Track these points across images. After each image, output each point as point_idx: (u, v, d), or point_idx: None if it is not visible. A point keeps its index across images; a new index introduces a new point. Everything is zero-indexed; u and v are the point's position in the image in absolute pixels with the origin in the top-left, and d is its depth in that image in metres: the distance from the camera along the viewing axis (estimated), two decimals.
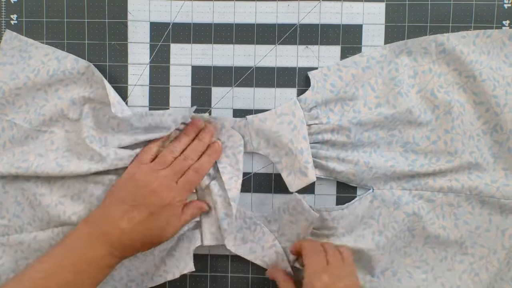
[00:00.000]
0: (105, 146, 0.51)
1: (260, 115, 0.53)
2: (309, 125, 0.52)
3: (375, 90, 0.52)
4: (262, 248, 0.54)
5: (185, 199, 0.50)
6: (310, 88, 0.52)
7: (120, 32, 0.55)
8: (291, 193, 0.52)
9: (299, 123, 0.51)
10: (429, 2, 0.53)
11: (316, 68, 0.54)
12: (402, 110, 0.51)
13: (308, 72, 0.52)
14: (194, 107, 0.52)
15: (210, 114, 0.55)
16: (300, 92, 0.54)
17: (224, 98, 0.55)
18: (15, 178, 0.55)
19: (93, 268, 0.45)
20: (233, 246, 0.53)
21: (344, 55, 0.54)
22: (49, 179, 0.54)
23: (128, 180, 0.49)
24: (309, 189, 0.54)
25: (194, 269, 0.52)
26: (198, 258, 0.54)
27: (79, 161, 0.52)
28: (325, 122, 0.52)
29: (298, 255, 0.51)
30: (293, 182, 0.52)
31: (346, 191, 0.54)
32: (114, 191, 0.49)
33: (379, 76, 0.52)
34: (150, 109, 0.55)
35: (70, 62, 0.54)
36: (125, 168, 0.52)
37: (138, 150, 0.51)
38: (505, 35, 0.52)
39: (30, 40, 0.55)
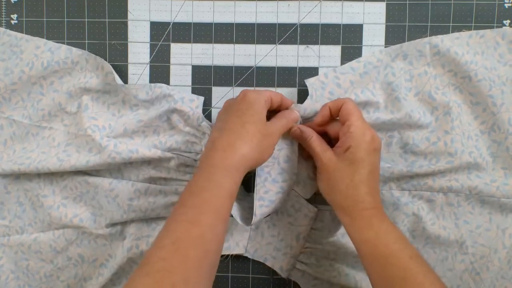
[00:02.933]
0: (107, 136, 0.53)
1: None
2: None
3: (374, 95, 0.53)
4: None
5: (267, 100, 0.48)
6: (308, 97, 0.53)
7: (120, 31, 0.56)
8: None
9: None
10: (430, 2, 0.54)
11: (316, 68, 0.55)
12: (402, 116, 0.52)
13: (305, 80, 0.54)
14: (202, 98, 0.55)
15: (210, 114, 0.56)
16: (300, 92, 0.56)
17: (224, 97, 0.56)
18: (17, 178, 0.57)
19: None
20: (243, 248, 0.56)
21: (344, 54, 0.55)
22: (51, 180, 0.56)
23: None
24: None
25: None
26: None
27: (79, 155, 0.54)
28: None
29: (335, 113, 0.50)
30: (304, 189, 0.54)
31: None
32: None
33: (376, 81, 0.54)
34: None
35: (64, 52, 0.55)
36: (124, 166, 0.54)
37: (136, 146, 0.53)
38: (498, 35, 0.53)
39: (19, 34, 0.56)
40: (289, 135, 0.51)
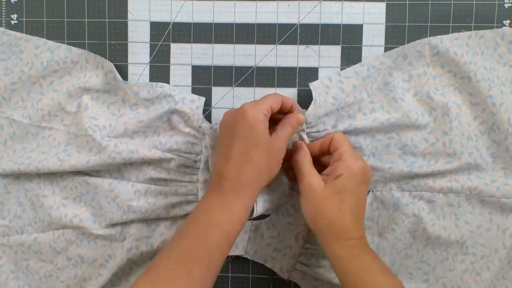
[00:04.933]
0: (108, 136, 0.54)
1: None
2: (307, 134, 0.53)
3: (370, 95, 0.54)
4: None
5: (265, 113, 0.47)
6: (312, 102, 0.53)
7: (120, 31, 0.57)
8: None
9: (303, 135, 0.53)
10: (430, 2, 0.55)
11: (316, 68, 0.56)
12: (399, 116, 0.53)
13: (309, 84, 0.54)
14: (204, 98, 0.55)
15: (210, 114, 0.57)
16: (300, 92, 0.56)
17: (224, 98, 0.57)
18: (17, 178, 0.57)
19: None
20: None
21: (344, 55, 0.56)
22: (51, 180, 0.56)
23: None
24: None
25: None
26: None
27: (79, 154, 0.54)
28: (322, 129, 0.54)
29: (326, 148, 0.51)
30: None
31: None
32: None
33: (374, 82, 0.54)
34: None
35: (64, 52, 0.56)
36: (125, 166, 0.55)
37: (137, 146, 0.54)
38: (498, 35, 0.54)
39: (19, 34, 0.57)
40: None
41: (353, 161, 0.47)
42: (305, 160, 0.49)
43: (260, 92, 0.56)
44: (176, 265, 0.42)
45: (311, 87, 0.54)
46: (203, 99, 0.55)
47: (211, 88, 0.57)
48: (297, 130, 0.52)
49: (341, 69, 0.56)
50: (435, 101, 0.53)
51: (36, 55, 0.56)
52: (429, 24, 0.55)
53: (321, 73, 0.56)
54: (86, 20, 0.57)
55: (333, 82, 0.54)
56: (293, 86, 0.56)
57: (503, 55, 0.54)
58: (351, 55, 0.56)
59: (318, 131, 0.54)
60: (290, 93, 0.56)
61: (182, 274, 0.41)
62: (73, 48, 0.56)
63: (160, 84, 0.55)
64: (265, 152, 0.46)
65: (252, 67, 0.57)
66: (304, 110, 0.52)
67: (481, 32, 0.54)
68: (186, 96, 0.55)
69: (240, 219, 0.45)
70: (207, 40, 0.57)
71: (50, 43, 0.56)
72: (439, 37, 0.53)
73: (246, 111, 0.46)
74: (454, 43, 0.54)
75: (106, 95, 0.56)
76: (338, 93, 0.54)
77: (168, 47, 0.57)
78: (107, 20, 0.57)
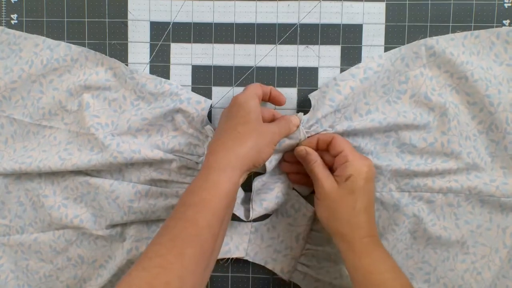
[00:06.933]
0: (111, 134, 0.55)
1: None
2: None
3: (365, 96, 0.55)
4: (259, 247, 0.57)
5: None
6: (311, 108, 0.54)
7: (120, 31, 0.58)
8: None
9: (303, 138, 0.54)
10: (429, 2, 0.56)
11: (316, 68, 0.57)
12: (394, 115, 0.54)
13: (309, 95, 0.55)
14: (211, 101, 0.56)
15: (210, 113, 0.58)
16: (300, 92, 0.57)
17: (224, 97, 0.58)
18: (18, 178, 0.58)
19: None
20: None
21: (344, 54, 0.57)
22: (52, 180, 0.57)
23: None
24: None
25: None
26: None
27: (80, 153, 0.55)
28: (320, 131, 0.54)
29: (323, 146, 0.53)
30: (304, 189, 0.56)
31: None
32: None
33: (373, 84, 0.55)
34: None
35: (63, 50, 0.57)
36: (126, 167, 0.55)
37: (139, 146, 0.54)
38: (493, 35, 0.54)
39: (18, 32, 0.57)
40: (294, 152, 0.54)
41: (360, 161, 0.49)
42: (316, 164, 0.51)
43: None
44: (166, 249, 0.41)
45: (310, 98, 0.55)
46: (210, 101, 0.55)
47: (211, 88, 0.58)
48: (296, 138, 0.53)
49: (341, 69, 0.57)
50: (433, 102, 0.54)
51: (35, 54, 0.57)
52: (428, 24, 0.56)
53: (321, 73, 0.57)
54: (86, 20, 0.58)
55: (329, 87, 0.54)
56: (293, 86, 0.57)
57: (499, 55, 0.54)
58: (351, 55, 0.56)
59: (316, 133, 0.54)
60: (290, 93, 0.57)
61: (173, 258, 0.41)
62: (73, 46, 0.57)
63: (169, 81, 0.56)
64: (254, 129, 0.47)
65: (252, 67, 0.57)
66: (302, 113, 0.53)
67: (476, 32, 0.55)
68: (193, 96, 0.55)
69: (227, 194, 0.45)
70: (207, 40, 0.57)
71: (50, 41, 0.57)
72: (435, 38, 0.54)
73: (237, 97, 0.49)
74: (450, 44, 0.54)
75: (107, 92, 0.57)
76: (335, 96, 0.54)
77: (168, 47, 0.57)
78: (107, 20, 0.58)
